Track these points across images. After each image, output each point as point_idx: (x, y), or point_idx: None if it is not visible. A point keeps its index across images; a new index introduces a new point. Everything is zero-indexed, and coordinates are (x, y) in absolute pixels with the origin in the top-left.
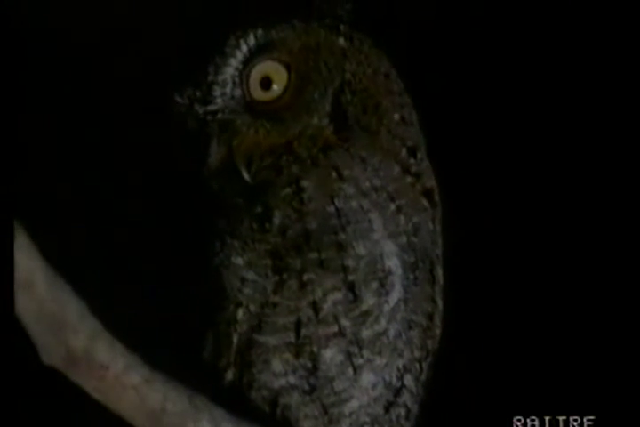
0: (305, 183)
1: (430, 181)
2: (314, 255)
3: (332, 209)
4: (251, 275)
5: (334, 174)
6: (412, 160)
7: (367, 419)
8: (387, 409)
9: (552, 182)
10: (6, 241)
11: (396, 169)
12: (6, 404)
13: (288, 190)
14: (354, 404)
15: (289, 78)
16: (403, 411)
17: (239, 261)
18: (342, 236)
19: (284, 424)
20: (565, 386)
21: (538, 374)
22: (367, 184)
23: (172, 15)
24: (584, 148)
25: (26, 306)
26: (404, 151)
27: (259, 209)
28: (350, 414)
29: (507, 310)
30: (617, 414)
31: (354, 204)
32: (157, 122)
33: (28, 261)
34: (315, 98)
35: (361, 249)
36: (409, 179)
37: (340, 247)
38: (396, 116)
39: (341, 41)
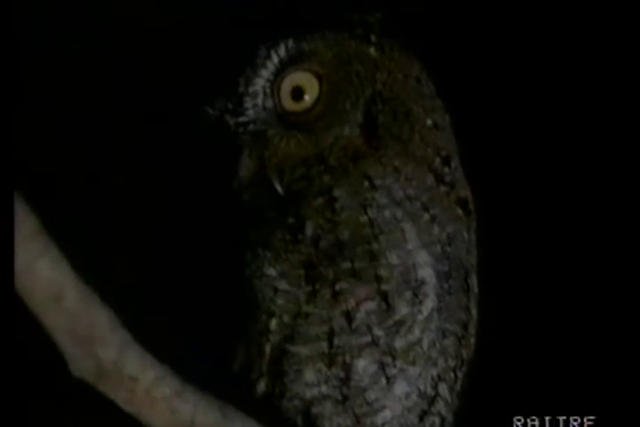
0: (337, 193)
1: (464, 190)
2: (347, 265)
3: (364, 219)
4: (283, 285)
5: (366, 184)
6: (445, 169)
7: None
8: (421, 418)
9: (590, 191)
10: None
11: (430, 178)
12: (37, 416)
13: (320, 200)
14: (387, 414)
15: (320, 89)
16: (437, 420)
17: (272, 271)
18: (375, 245)
19: None
20: (565, 386)
21: (538, 374)
22: (400, 193)
23: (202, 26)
24: (626, 156)
25: (55, 318)
26: (437, 160)
27: (291, 220)
28: (383, 424)
29: (524, 314)
30: (617, 414)
31: (387, 213)
32: (188, 134)
33: (57, 274)
34: (346, 108)
35: (394, 259)
36: (443, 188)
37: (373, 257)
38: (429, 122)
39: (372, 51)
